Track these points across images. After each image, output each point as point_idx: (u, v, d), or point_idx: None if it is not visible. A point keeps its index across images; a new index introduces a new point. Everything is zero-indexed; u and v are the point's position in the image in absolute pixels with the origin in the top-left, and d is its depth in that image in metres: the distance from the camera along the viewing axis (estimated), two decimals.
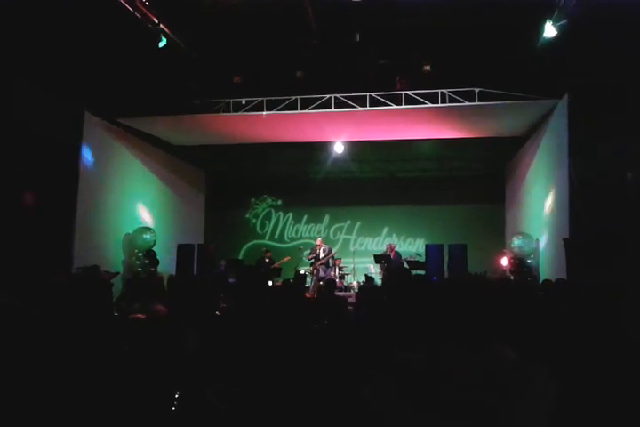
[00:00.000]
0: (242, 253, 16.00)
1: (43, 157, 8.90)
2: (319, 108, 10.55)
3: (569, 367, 2.09)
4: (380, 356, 1.51)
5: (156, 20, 8.78)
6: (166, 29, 9.04)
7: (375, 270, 13.33)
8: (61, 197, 9.52)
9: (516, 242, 11.38)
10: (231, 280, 11.21)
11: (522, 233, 11.64)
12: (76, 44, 8.51)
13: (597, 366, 2.15)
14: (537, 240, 11.12)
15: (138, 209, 12.29)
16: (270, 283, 11.05)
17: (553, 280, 6.72)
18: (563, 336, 2.49)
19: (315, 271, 12.79)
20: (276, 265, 13.28)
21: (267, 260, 13.30)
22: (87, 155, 10.38)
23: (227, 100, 10.85)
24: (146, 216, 12.46)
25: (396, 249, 13.48)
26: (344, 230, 15.82)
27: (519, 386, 1.37)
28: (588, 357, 2.21)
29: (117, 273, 9.86)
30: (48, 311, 2.42)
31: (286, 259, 13.69)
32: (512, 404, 1.35)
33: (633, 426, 1.92)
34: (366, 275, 12.50)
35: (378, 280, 11.90)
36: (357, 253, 14.76)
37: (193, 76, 10.42)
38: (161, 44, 9.00)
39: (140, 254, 11.61)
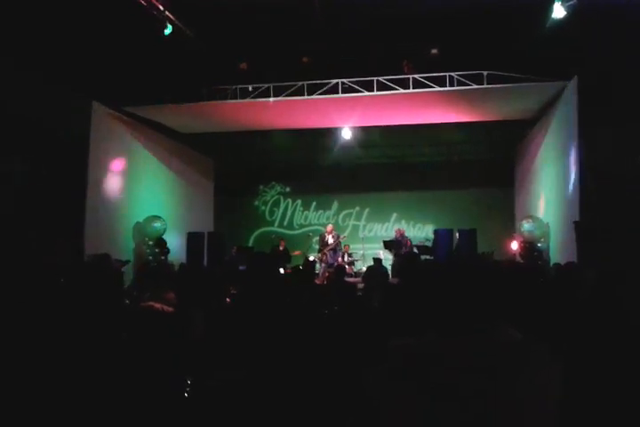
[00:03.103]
0: (251, 240, 16.07)
1: (51, 146, 8.94)
2: (326, 94, 10.51)
3: (575, 349, 2.09)
4: (383, 341, 1.51)
5: (162, 8, 8.73)
6: (172, 16, 8.99)
7: (385, 256, 13.34)
8: (71, 187, 9.57)
9: (526, 226, 11.33)
10: (241, 267, 11.26)
11: (532, 217, 11.59)
12: (82, 33, 8.48)
13: (604, 348, 2.16)
14: (547, 224, 11.07)
15: (147, 198, 12.33)
16: (281, 270, 11.10)
17: (563, 264, 6.70)
18: (571, 319, 2.50)
19: (323, 258, 12.82)
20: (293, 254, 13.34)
21: (281, 248, 13.32)
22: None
23: (233, 87, 10.82)
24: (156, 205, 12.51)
25: (405, 234, 13.48)
26: (353, 217, 15.82)
27: (521, 366, 1.37)
28: (594, 339, 2.22)
29: (128, 261, 9.92)
30: (59, 300, 2.44)
31: (297, 253, 13.69)
32: (514, 384, 1.35)
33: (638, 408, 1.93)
34: (374, 258, 12.52)
35: (387, 265, 11.92)
36: (366, 239, 14.79)
37: (199, 64, 10.38)
38: (167, 32, 8.96)
39: (150, 243, 11.69)
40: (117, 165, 11.33)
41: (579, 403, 1.38)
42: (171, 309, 3.34)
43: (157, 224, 11.75)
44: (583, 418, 1.39)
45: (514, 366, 1.38)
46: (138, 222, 11.73)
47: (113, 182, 11.08)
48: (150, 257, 11.53)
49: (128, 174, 11.66)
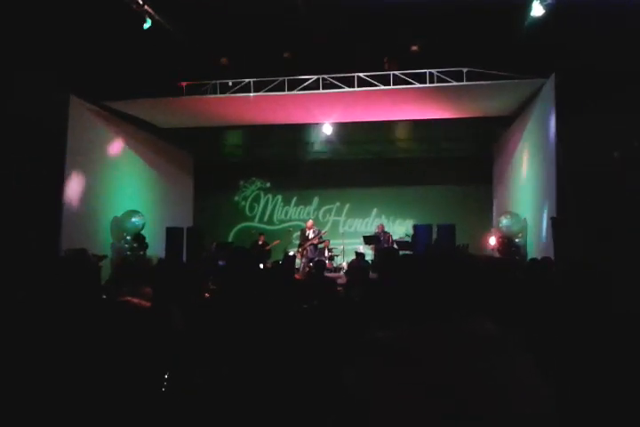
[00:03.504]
0: (231, 235, 16.03)
1: (28, 140, 8.82)
2: (307, 90, 10.49)
3: (548, 340, 2.13)
4: (361, 336, 1.53)
5: (141, 1, 8.64)
6: (151, 10, 8.90)
7: (365, 252, 13.40)
8: (48, 181, 9.46)
9: (504, 221, 11.46)
10: (221, 263, 11.23)
11: (510, 212, 11.72)
12: (61, 27, 8.37)
13: (576, 340, 2.20)
14: (525, 219, 11.20)
15: (126, 192, 12.23)
16: (261, 265, 11.09)
17: (539, 258, 6.78)
18: (543, 311, 2.54)
19: (304, 252, 12.85)
20: (267, 248, 13.34)
21: (260, 243, 13.36)
22: None
23: (213, 82, 10.76)
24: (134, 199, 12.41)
25: (385, 229, 13.55)
26: (333, 212, 15.85)
27: (496, 356, 1.39)
28: (568, 331, 2.26)
29: (105, 256, 9.85)
30: (34, 294, 2.42)
31: (276, 242, 13.74)
32: (489, 374, 1.37)
33: (617, 397, 1.97)
34: (356, 251, 12.58)
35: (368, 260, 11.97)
36: (347, 234, 14.83)
37: (179, 58, 10.30)
38: (146, 26, 8.87)
39: (128, 238, 11.59)
40: (95, 159, 11.21)
41: (556, 392, 1.41)
42: (148, 304, 3.32)
43: (136, 219, 11.66)
44: (562, 407, 1.41)
45: (488, 355, 1.39)
46: (116, 217, 11.62)
47: (90, 177, 10.96)
48: (128, 252, 11.44)
49: (106, 169, 11.55)
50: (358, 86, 10.35)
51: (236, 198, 16.39)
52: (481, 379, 1.37)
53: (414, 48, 10.21)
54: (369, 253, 13.16)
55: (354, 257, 13.34)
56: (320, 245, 13.25)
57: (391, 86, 10.23)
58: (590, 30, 7.98)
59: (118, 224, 11.61)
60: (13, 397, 2.11)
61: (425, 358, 1.39)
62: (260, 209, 16.27)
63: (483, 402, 1.34)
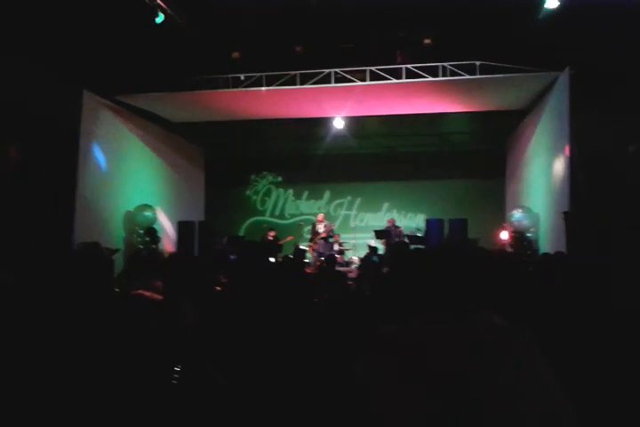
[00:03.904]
0: (243, 229, 16.06)
1: (42, 135, 8.88)
2: (319, 84, 10.47)
3: (558, 335, 2.12)
4: (371, 329, 1.53)
5: None
6: (163, 4, 8.91)
7: (377, 246, 13.39)
8: (61, 176, 9.53)
9: (516, 216, 11.39)
10: (232, 257, 11.26)
11: (522, 207, 11.65)
12: (73, 22, 8.41)
13: (585, 334, 2.19)
14: (537, 214, 11.13)
15: (138, 187, 12.29)
16: (272, 259, 11.11)
17: (552, 253, 6.74)
18: (554, 306, 2.53)
19: (315, 247, 12.84)
20: (280, 243, 13.30)
21: (270, 238, 13.27)
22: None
23: (226, 76, 10.77)
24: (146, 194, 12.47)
25: (396, 224, 13.52)
26: (344, 206, 15.83)
27: (505, 350, 1.39)
28: (577, 325, 2.25)
29: (117, 250, 9.91)
30: (47, 286, 2.45)
31: (290, 238, 13.69)
32: (499, 369, 1.37)
33: (620, 391, 1.97)
34: (369, 245, 12.57)
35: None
36: (358, 228, 14.81)
37: (191, 52, 10.31)
38: (158, 20, 8.90)
39: (140, 232, 11.66)
40: (108, 153, 11.27)
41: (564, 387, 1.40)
42: (160, 297, 3.34)
43: (148, 213, 11.72)
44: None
45: (497, 350, 1.39)
46: (128, 211, 11.69)
47: (103, 171, 11.03)
48: (141, 246, 11.51)
49: (119, 163, 11.61)
50: (370, 80, 10.32)
51: (248, 192, 16.41)
52: (489, 373, 1.37)
53: (427, 41, 10.15)
54: (381, 248, 13.14)
55: (365, 251, 13.35)
56: (331, 240, 13.24)
57: (403, 80, 10.19)
58: (605, 23, 7.89)
59: (131, 218, 11.68)
60: (21, 389, 2.13)
61: (434, 352, 1.40)
62: (272, 203, 16.29)
63: (488, 398, 1.34)
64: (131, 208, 11.71)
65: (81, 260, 2.73)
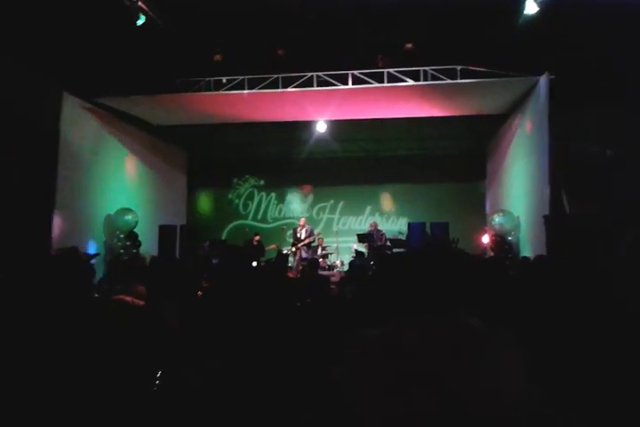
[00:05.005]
0: (225, 233, 15.99)
1: (20, 138, 8.77)
2: (301, 87, 10.48)
3: (537, 337, 2.14)
4: (352, 332, 1.53)
5: None
6: (144, 6, 8.86)
7: (360, 249, 13.41)
8: (40, 178, 9.41)
9: (497, 219, 11.49)
10: (214, 261, 11.19)
11: (503, 210, 11.75)
12: (54, 23, 8.32)
13: (566, 336, 2.21)
14: (518, 217, 11.23)
15: (118, 190, 12.19)
16: (254, 263, 11.07)
17: (532, 257, 6.80)
18: (534, 309, 2.55)
19: (297, 252, 12.81)
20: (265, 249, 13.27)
21: (255, 243, 13.23)
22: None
23: (207, 79, 10.73)
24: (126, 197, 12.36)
25: (378, 227, 13.55)
26: (327, 210, 15.85)
27: (484, 353, 1.40)
28: (557, 328, 2.27)
29: (97, 254, 9.81)
30: (25, 292, 2.41)
31: (272, 247, 13.66)
32: (477, 371, 1.38)
33: (605, 392, 1.98)
34: (356, 250, 12.60)
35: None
36: (341, 232, 14.83)
37: (172, 55, 10.25)
38: (139, 22, 8.83)
39: (121, 236, 11.55)
40: (88, 156, 11.15)
41: (545, 389, 1.41)
42: (142, 302, 3.31)
43: (129, 217, 11.61)
44: (551, 404, 1.42)
45: (476, 353, 1.40)
46: (108, 215, 11.57)
47: (83, 174, 10.91)
48: (121, 250, 11.40)
49: (99, 166, 11.49)
50: (352, 84, 10.35)
51: (230, 196, 16.36)
52: (467, 376, 1.37)
53: (408, 46, 10.21)
54: (364, 252, 13.16)
55: (348, 255, 13.38)
56: (314, 244, 13.23)
57: (385, 84, 10.24)
58: (584, 28, 8.00)
59: (111, 222, 11.56)
60: (4, 397, 2.10)
61: (413, 355, 1.40)
62: (254, 207, 16.25)
63: (467, 400, 1.35)
64: (111, 212, 11.59)
65: (59, 265, 2.69)
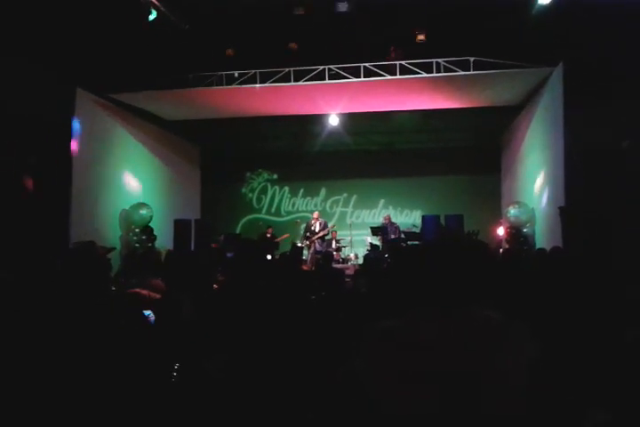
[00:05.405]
0: (239, 227, 16.05)
1: (34, 134, 8.83)
2: (313, 80, 10.45)
3: (552, 330, 2.13)
4: (368, 325, 1.53)
5: None
6: (156, 2, 8.87)
7: (377, 244, 13.40)
8: (56, 175, 9.49)
9: (512, 211, 11.42)
10: (229, 255, 11.25)
11: (518, 202, 11.68)
12: (66, 19, 8.36)
13: (581, 328, 2.20)
14: (533, 209, 11.16)
15: (133, 185, 12.27)
16: (269, 257, 11.11)
17: (548, 249, 6.76)
18: (551, 302, 2.54)
19: (311, 245, 12.85)
20: (276, 240, 13.35)
21: (268, 235, 13.34)
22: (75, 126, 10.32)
23: (219, 74, 10.73)
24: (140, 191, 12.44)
25: (392, 220, 13.53)
26: (340, 203, 15.84)
27: (498, 345, 1.40)
28: (573, 320, 2.26)
29: (113, 248, 9.89)
30: (44, 285, 2.44)
31: (285, 236, 13.73)
32: (492, 364, 1.38)
33: (613, 385, 1.98)
34: (371, 243, 12.61)
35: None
36: (354, 225, 14.82)
37: (185, 50, 10.27)
38: (151, 17, 8.85)
39: (136, 230, 11.64)
40: (103, 152, 11.23)
41: (558, 379, 1.41)
42: (158, 295, 3.34)
43: (144, 211, 11.69)
44: (562, 396, 1.42)
45: (492, 344, 1.40)
46: (124, 210, 11.67)
47: (98, 170, 10.99)
48: (137, 244, 11.49)
49: (114, 162, 11.58)
50: (364, 76, 10.30)
51: (244, 190, 16.41)
52: (482, 369, 1.37)
53: (420, 37, 10.13)
54: (379, 245, 13.16)
55: (362, 248, 13.39)
56: (327, 237, 13.25)
57: (397, 76, 10.18)
58: (599, 18, 7.90)
59: (126, 217, 11.65)
60: (21, 386, 2.13)
61: (430, 348, 1.40)
62: (268, 201, 16.28)
63: (483, 392, 1.35)
64: (126, 207, 11.68)
65: (77, 259, 2.72)
